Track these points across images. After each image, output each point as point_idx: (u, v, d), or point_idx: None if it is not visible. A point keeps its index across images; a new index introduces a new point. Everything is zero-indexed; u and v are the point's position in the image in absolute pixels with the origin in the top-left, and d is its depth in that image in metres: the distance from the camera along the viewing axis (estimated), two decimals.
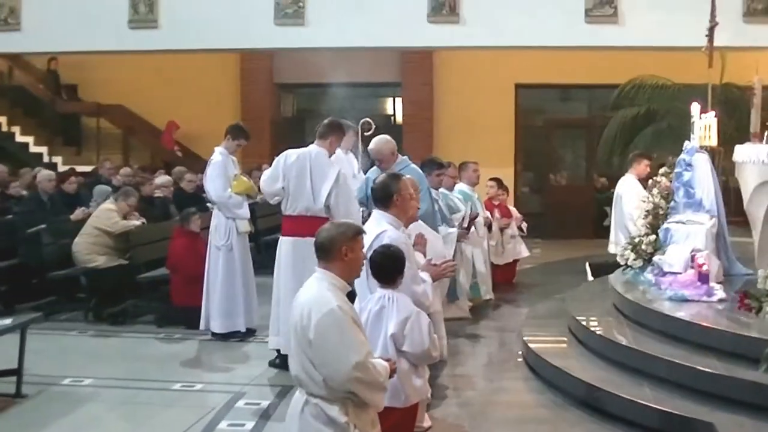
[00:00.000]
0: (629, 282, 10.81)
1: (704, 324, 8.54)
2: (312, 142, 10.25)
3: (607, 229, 24.68)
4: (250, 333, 11.82)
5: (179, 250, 12.49)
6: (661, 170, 14.31)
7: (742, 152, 10.23)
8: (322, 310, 5.44)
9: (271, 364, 10.37)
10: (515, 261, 15.59)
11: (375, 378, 5.56)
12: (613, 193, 24.78)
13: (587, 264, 14.59)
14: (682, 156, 11.10)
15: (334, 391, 5.45)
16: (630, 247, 11.24)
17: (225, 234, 11.61)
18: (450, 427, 8.07)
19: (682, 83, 19.26)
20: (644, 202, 11.85)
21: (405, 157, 10.90)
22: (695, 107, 11.35)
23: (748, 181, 10.04)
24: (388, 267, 6.74)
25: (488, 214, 14.43)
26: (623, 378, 8.34)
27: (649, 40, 17.84)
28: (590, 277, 14.07)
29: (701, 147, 12.44)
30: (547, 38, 18.07)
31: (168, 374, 10.17)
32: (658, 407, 7.54)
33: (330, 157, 10.11)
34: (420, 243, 7.75)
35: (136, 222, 13.30)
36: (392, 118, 24.36)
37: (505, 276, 15.07)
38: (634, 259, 11.02)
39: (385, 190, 7.38)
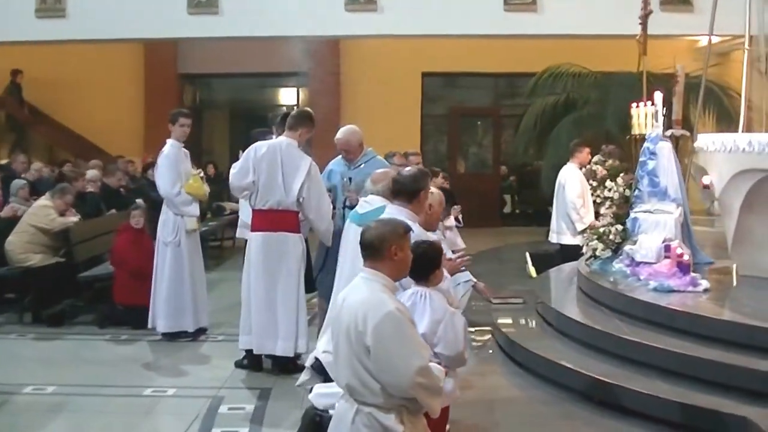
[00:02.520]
0: (600, 272, 10.71)
1: (709, 316, 8.48)
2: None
3: (510, 216, 25.11)
4: (199, 332, 11.39)
5: (125, 245, 11.98)
6: (595, 159, 14.35)
7: (714, 141, 10.17)
8: (379, 314, 5.05)
9: (238, 364, 10.00)
10: (453, 252, 15.35)
11: (436, 383, 5.22)
12: (511, 181, 25.17)
13: (527, 254, 14.45)
14: (646, 144, 11.04)
15: (391, 399, 5.10)
16: (595, 237, 11.13)
17: (173, 230, 11.16)
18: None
19: (599, 71, 19.35)
20: (602, 191, 11.76)
21: (370, 148, 10.63)
22: (658, 95, 11.26)
23: (722, 171, 10.00)
24: (424, 262, 6.38)
25: None
26: (629, 371, 8.21)
27: (568, 28, 17.90)
28: (531, 267, 13.92)
29: (639, 135, 12.53)
30: (466, 27, 18.01)
31: (133, 379, 9.72)
32: (681, 401, 7.42)
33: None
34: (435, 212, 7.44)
35: (73, 219, 12.71)
36: (297, 107, 23.89)
37: None
38: (603, 249, 10.91)
39: (415, 184, 6.91)
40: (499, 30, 18.16)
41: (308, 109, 10.20)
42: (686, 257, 9.84)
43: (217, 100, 24.36)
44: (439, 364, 5.93)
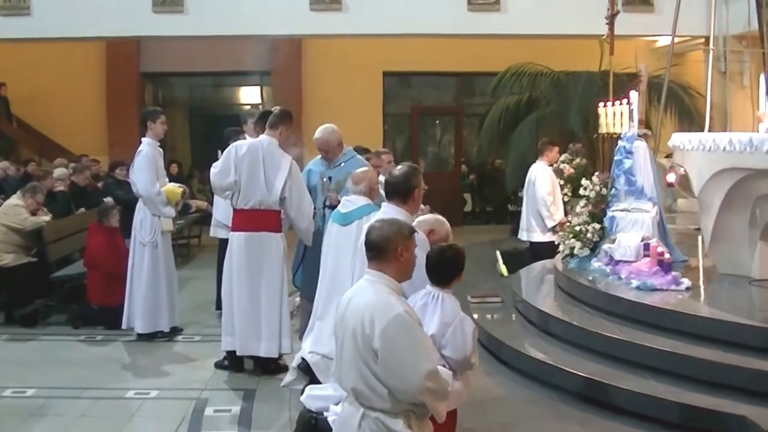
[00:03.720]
0: (578, 270, 10.77)
1: (700, 314, 8.56)
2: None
3: (471, 214, 25.16)
4: (174, 332, 11.34)
5: (98, 246, 11.86)
6: (562, 157, 14.47)
7: (692, 139, 10.24)
8: (387, 316, 4.97)
9: (219, 365, 9.94)
10: None
11: (444, 387, 5.15)
12: (471, 180, 25.22)
13: (498, 253, 14.47)
14: (622, 143, 11.09)
15: (398, 404, 5.04)
16: (572, 235, 11.19)
17: (151, 230, 11.10)
18: None
19: (561, 71, 19.46)
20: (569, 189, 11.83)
21: (350, 148, 10.63)
22: (633, 95, 11.34)
23: (700, 169, 10.06)
24: (450, 267, 6.37)
25: None
26: (621, 371, 8.25)
27: (531, 28, 18.00)
28: (502, 266, 13.95)
29: (607, 134, 12.63)
30: (431, 26, 18.04)
31: (114, 381, 9.62)
32: (678, 400, 7.48)
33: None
34: (432, 239, 7.40)
35: (45, 218, 12.60)
36: (260, 107, 23.79)
37: None
38: (581, 248, 10.97)
39: (408, 183, 6.82)
40: (463, 30, 18.20)
41: (285, 108, 10.08)
42: (667, 256, 9.94)
43: (178, 99, 24.17)
44: (446, 366, 5.96)
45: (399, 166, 7.06)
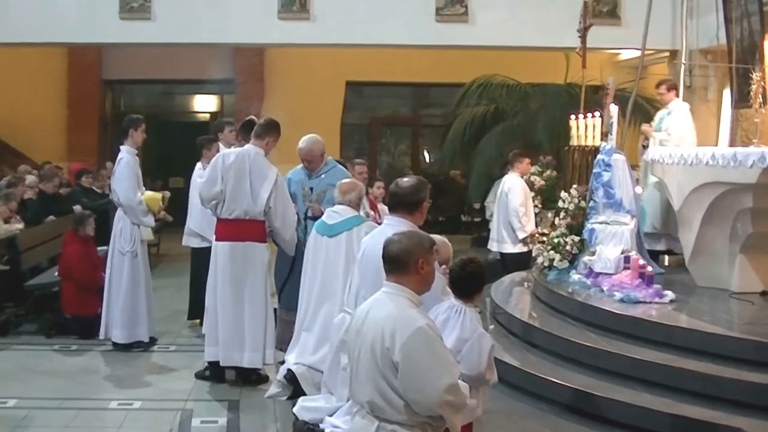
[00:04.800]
0: (558, 282, 10.84)
1: (689, 327, 8.63)
2: None
3: (426, 224, 25.14)
4: (152, 342, 11.24)
5: (74, 256, 11.71)
6: (532, 169, 14.56)
7: (673, 154, 10.34)
8: (409, 330, 4.96)
9: (199, 376, 9.86)
10: None
11: (463, 400, 5.18)
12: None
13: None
14: (601, 157, 11.17)
15: (415, 416, 5.03)
16: (550, 247, 11.25)
17: (131, 239, 10.98)
18: None
19: (527, 83, 19.55)
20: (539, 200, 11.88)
21: (330, 157, 10.64)
22: (614, 108, 11.44)
23: (681, 183, 10.18)
24: (472, 282, 6.38)
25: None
26: (611, 383, 8.29)
27: (499, 40, 18.01)
28: None
29: (578, 146, 12.74)
30: (399, 37, 17.97)
31: (95, 391, 9.53)
32: (671, 412, 7.53)
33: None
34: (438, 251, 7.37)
35: (18, 225, 12.43)
36: (220, 115, 23.68)
37: None
38: (560, 260, 11.03)
39: (417, 195, 6.74)
40: (431, 41, 18.15)
41: (272, 118, 10.02)
42: (649, 269, 10.02)
43: (140, 107, 23.90)
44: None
45: (406, 178, 6.92)
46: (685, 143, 11.75)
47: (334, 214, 8.86)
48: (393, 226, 6.52)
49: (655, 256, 11.78)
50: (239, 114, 22.17)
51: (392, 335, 4.98)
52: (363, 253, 6.90)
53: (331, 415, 6.97)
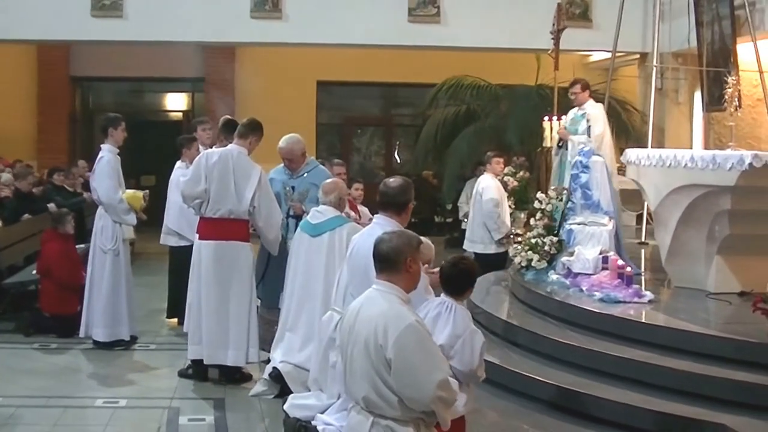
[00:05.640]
0: (536, 282, 10.96)
1: (671, 326, 8.80)
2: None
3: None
4: (132, 340, 11.26)
5: (53, 255, 11.70)
6: (506, 170, 14.67)
7: (650, 155, 10.48)
8: (400, 327, 5.08)
9: (182, 374, 9.90)
10: None
11: (454, 396, 5.33)
12: None
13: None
14: (579, 158, 11.31)
15: (409, 412, 5.15)
16: (528, 248, 11.36)
17: (112, 238, 10.98)
18: None
19: (498, 84, 19.68)
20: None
21: (312, 157, 10.72)
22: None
23: (658, 185, 10.30)
24: (464, 279, 6.49)
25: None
26: (596, 381, 8.41)
27: (471, 41, 18.18)
28: None
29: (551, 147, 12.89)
30: (371, 37, 18.12)
31: (80, 390, 9.57)
32: (656, 409, 7.66)
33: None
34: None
35: None
36: (190, 113, 23.64)
37: None
38: (539, 260, 11.14)
39: (405, 195, 6.85)
40: (404, 41, 18.31)
41: (255, 118, 10.04)
42: (629, 269, 10.16)
43: (109, 104, 23.80)
44: (452, 377, 6.05)
45: (392, 178, 7.01)
46: (604, 144, 11.81)
47: (318, 213, 8.93)
48: (382, 225, 6.64)
49: None
50: (210, 113, 22.25)
51: (385, 332, 5.10)
52: (352, 251, 6.97)
53: (322, 413, 7.08)
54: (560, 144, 12.43)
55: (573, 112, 12.47)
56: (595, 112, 12.14)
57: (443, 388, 5.12)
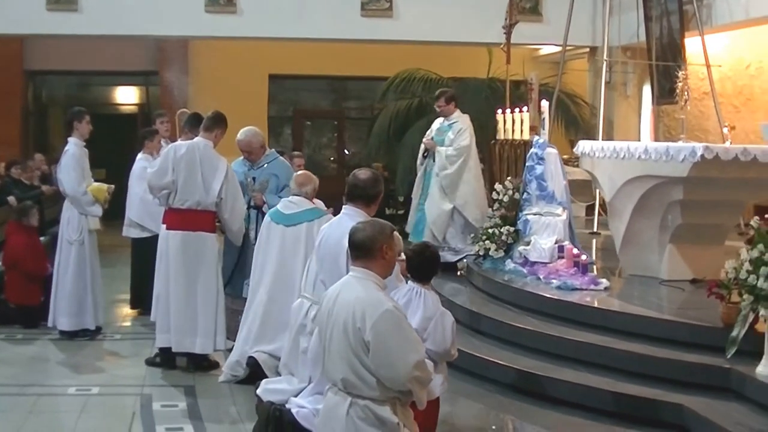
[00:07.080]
0: (493, 270, 11.25)
1: (626, 311, 9.15)
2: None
3: None
4: (97, 330, 11.41)
5: (19, 247, 11.84)
6: None
7: (605, 147, 10.75)
8: (377, 311, 5.37)
9: (150, 362, 10.08)
10: None
11: (429, 376, 5.67)
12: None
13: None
14: (534, 150, 11.56)
15: (386, 392, 5.43)
16: (485, 237, 11.63)
17: (78, 228, 11.15)
18: None
19: (450, 77, 19.92)
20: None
21: (272, 150, 10.94)
22: (545, 104, 11.88)
23: (613, 176, 10.57)
24: (430, 266, 6.80)
25: None
26: (555, 365, 8.72)
27: (423, 35, 18.44)
28: None
29: (506, 140, 13.21)
30: (324, 31, 18.30)
31: (51, 378, 9.75)
32: (614, 390, 7.97)
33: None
34: None
35: None
36: (146, 107, 23.70)
37: None
38: (496, 250, 11.42)
39: (375, 188, 7.03)
40: (356, 35, 18.51)
41: (220, 112, 10.22)
42: (584, 257, 10.48)
43: (61, 97, 23.84)
44: (428, 359, 6.33)
45: (362, 170, 7.22)
46: (470, 155, 12.42)
47: (292, 204, 9.12)
48: (351, 216, 6.86)
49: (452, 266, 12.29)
50: (165, 106, 22.30)
51: (362, 316, 5.38)
52: (321, 240, 7.18)
53: (295, 396, 7.32)
54: (425, 154, 12.75)
55: (439, 123, 12.84)
56: (460, 125, 12.55)
57: (419, 368, 5.42)
